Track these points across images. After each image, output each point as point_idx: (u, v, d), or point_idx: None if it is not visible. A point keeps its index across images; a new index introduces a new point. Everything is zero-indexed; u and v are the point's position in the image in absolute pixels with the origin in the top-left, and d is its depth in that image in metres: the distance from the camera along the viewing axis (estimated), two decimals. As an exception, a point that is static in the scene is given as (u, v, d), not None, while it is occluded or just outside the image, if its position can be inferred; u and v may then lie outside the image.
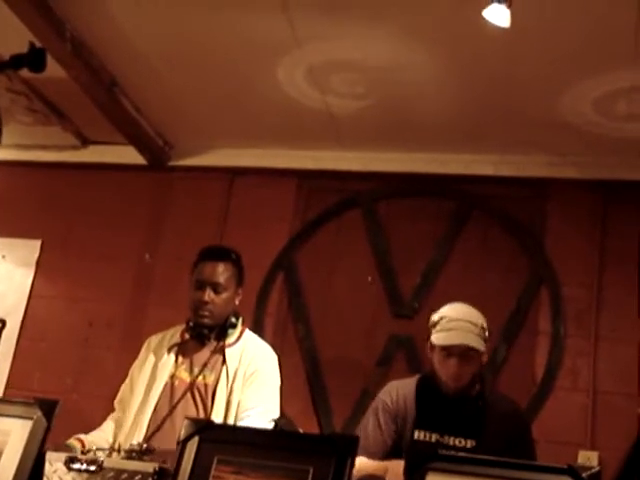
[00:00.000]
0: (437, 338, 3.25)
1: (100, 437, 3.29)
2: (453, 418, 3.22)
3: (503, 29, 3.30)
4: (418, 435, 3.21)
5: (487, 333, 3.26)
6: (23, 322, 5.22)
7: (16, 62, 1.93)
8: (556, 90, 4.14)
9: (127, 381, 3.54)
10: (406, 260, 4.79)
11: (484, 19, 3.28)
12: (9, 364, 5.12)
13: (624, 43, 3.69)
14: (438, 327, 3.26)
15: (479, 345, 3.21)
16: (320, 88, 4.42)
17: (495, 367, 4.41)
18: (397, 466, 2.88)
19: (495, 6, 3.20)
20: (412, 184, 4.90)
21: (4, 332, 5.21)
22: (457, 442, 3.16)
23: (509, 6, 3.21)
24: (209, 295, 3.39)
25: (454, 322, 3.23)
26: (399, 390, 3.38)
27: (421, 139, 4.72)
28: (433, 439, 3.18)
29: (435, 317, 3.31)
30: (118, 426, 3.40)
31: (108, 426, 3.43)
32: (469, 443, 3.15)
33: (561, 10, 3.54)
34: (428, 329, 3.32)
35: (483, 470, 2.44)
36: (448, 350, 3.21)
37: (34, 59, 1.88)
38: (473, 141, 4.66)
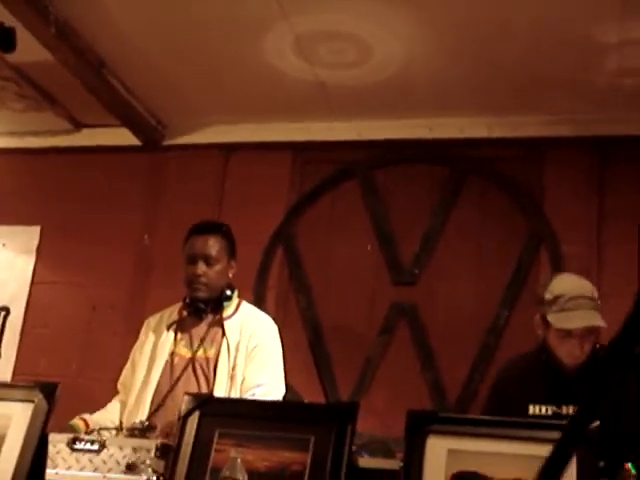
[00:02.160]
0: (558, 320, 3.05)
1: (104, 417, 3.33)
2: (568, 388, 3.09)
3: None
4: (533, 410, 3.12)
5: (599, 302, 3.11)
6: (27, 309, 5.25)
7: (-15, 42, 1.92)
8: (545, 48, 4.11)
9: (128, 364, 3.56)
10: (405, 227, 4.80)
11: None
12: (15, 351, 5.15)
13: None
14: (555, 307, 3.06)
15: (602, 322, 3.03)
16: (308, 59, 4.42)
17: (497, 330, 4.44)
18: None
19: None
20: (407, 151, 4.89)
21: (8, 320, 5.27)
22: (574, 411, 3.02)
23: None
24: (201, 268, 3.39)
25: (574, 301, 3.05)
26: (508, 370, 3.36)
27: (413, 105, 4.72)
28: (550, 412, 3.08)
29: (548, 295, 3.11)
30: (123, 407, 3.44)
31: (113, 406, 3.46)
32: None
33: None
34: (538, 305, 3.17)
35: (483, 430, 2.46)
36: (569, 331, 3.05)
37: (3, 38, 1.88)
38: (466, 104, 4.65)
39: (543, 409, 3.11)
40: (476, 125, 4.71)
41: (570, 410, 3.05)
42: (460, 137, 4.75)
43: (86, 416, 3.23)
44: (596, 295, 3.11)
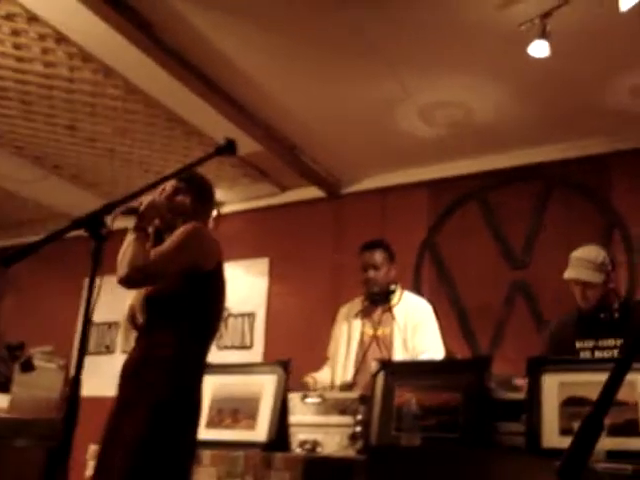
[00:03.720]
0: (565, 273, 3.09)
1: (322, 377, 3.42)
2: (602, 326, 3.03)
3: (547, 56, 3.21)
4: (579, 344, 3.05)
5: (609, 267, 3.04)
6: (266, 313, 5.41)
7: (219, 151, 2.09)
8: (598, 89, 3.94)
9: (332, 340, 3.65)
10: (513, 228, 4.67)
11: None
12: (262, 342, 5.35)
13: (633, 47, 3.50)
14: (568, 265, 3.10)
15: (590, 278, 3.01)
16: (429, 122, 4.41)
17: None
18: None
19: (536, 42, 3.12)
20: (507, 175, 4.76)
21: (255, 322, 5.49)
22: (610, 343, 2.96)
23: (547, 38, 3.11)
24: (370, 274, 3.46)
25: (575, 261, 3.07)
26: (561, 317, 3.30)
27: (506, 143, 4.60)
28: (591, 345, 3.01)
29: (569, 258, 3.13)
30: (333, 371, 3.54)
31: (325, 370, 3.56)
32: (618, 342, 2.94)
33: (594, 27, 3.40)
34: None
35: (583, 366, 2.41)
36: (574, 281, 3.07)
37: (229, 148, 2.04)
38: (543, 137, 4.47)
39: (585, 343, 3.02)
40: (554, 150, 4.54)
41: (607, 343, 2.96)
42: (543, 160, 4.59)
43: (314, 374, 3.37)
44: (599, 260, 3.01)
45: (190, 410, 2.09)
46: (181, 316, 2.15)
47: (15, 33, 3.55)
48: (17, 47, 3.68)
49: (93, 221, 1.69)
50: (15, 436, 2.37)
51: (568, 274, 3.08)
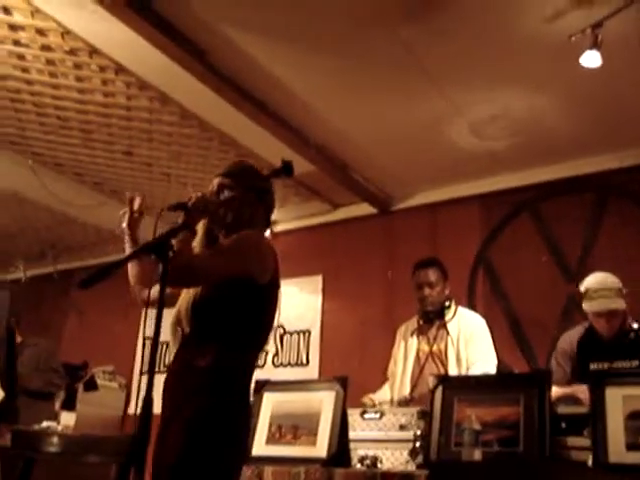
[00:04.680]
0: (587, 306, 3.13)
1: (380, 397, 3.46)
2: (617, 349, 3.07)
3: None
4: (593, 366, 3.08)
5: (624, 291, 3.09)
6: (321, 330, 5.41)
7: (276, 173, 2.14)
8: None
9: (392, 359, 3.67)
10: (568, 241, 4.58)
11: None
12: (318, 358, 5.36)
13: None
14: (586, 297, 3.13)
15: (618, 305, 3.07)
16: (480, 137, 4.38)
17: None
18: (580, 387, 2.86)
19: (588, 52, 3.10)
20: (560, 186, 4.67)
21: (311, 338, 5.52)
22: (625, 364, 3.00)
23: (599, 49, 3.08)
24: (426, 291, 3.48)
25: (595, 293, 3.09)
26: (571, 338, 3.29)
27: (559, 154, 4.53)
28: (605, 367, 3.04)
29: (582, 288, 3.17)
30: (391, 388, 3.56)
31: (385, 389, 3.59)
32: (634, 363, 2.99)
33: None
34: (579, 297, 3.20)
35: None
36: (597, 314, 3.10)
37: (286, 169, 2.09)
38: (598, 146, 4.38)
39: (600, 365, 3.05)
40: (609, 159, 4.43)
41: (620, 364, 2.99)
42: (596, 170, 4.50)
43: (372, 395, 3.40)
44: (616, 286, 3.07)
45: (232, 424, 1.96)
46: (227, 327, 2.02)
47: (77, 66, 3.71)
48: (79, 79, 3.84)
49: (161, 245, 1.76)
50: (85, 452, 2.46)
51: (597, 307, 3.09)
